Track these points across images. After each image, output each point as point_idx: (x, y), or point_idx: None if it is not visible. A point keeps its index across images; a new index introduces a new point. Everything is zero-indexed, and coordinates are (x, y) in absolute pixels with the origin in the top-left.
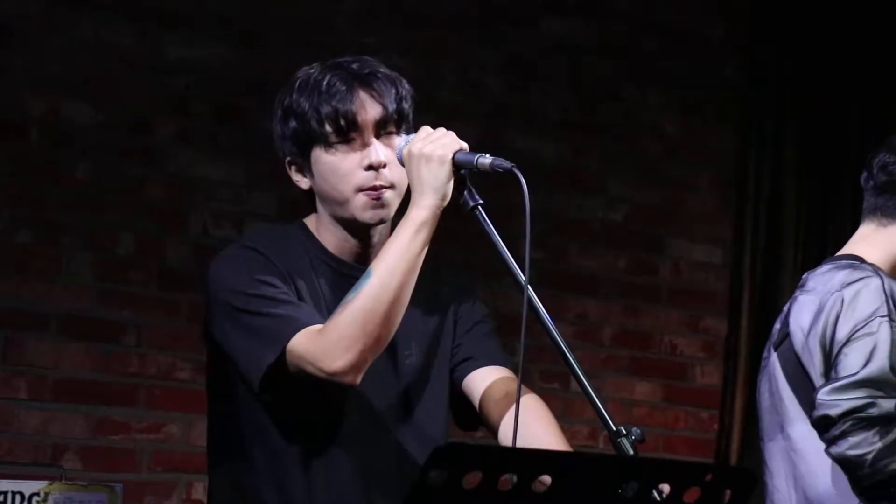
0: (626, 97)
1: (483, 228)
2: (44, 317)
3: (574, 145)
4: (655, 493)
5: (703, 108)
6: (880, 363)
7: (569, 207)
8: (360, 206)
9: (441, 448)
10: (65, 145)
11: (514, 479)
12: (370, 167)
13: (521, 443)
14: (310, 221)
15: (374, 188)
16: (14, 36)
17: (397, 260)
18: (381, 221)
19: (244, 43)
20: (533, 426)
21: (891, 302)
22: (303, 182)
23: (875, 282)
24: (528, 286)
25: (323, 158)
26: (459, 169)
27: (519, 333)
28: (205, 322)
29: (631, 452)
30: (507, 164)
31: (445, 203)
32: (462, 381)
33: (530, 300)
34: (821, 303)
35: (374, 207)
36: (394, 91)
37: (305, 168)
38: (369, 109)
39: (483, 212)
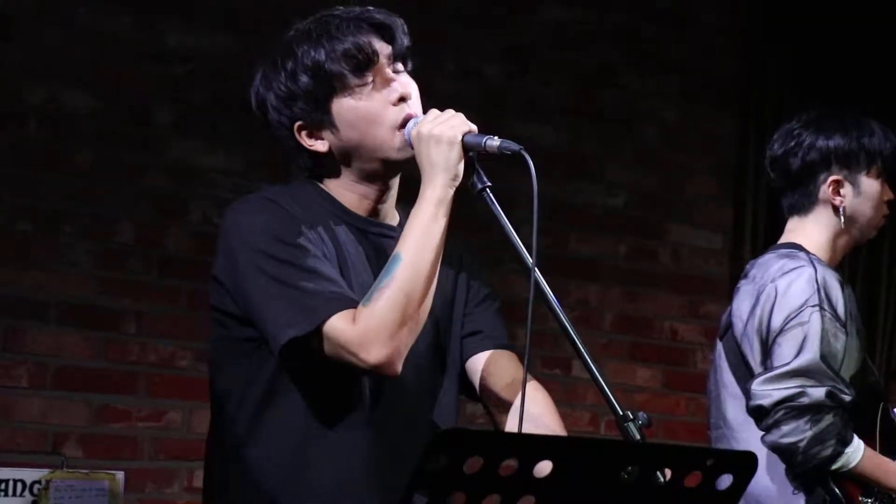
0: (625, 84)
1: (491, 211)
2: (44, 305)
3: (574, 132)
4: (660, 476)
5: (703, 95)
6: (811, 353)
7: (569, 194)
8: (396, 145)
9: (442, 433)
10: (64, 134)
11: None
12: (401, 99)
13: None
14: (317, 181)
15: (408, 119)
16: (12, 25)
17: (423, 239)
18: (413, 158)
19: (243, 31)
20: (542, 419)
21: (822, 291)
22: (319, 144)
23: (808, 271)
24: (536, 269)
25: (348, 105)
26: (468, 151)
27: (520, 318)
28: (215, 278)
29: (637, 437)
30: (515, 146)
31: (457, 183)
32: (469, 356)
33: (537, 283)
34: (758, 292)
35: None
36: (397, 25)
37: (324, 125)
38: (381, 46)
39: (491, 194)
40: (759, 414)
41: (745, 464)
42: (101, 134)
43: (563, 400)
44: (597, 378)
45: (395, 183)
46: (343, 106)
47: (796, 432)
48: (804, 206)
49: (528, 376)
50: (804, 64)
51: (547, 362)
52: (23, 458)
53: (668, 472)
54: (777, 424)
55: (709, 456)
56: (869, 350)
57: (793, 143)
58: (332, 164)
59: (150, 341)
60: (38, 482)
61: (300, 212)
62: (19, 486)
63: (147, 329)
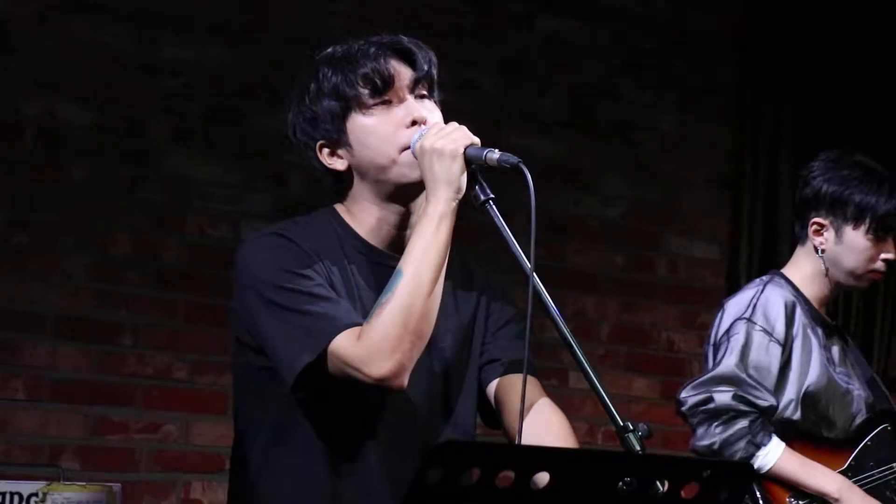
0: (622, 95)
1: (494, 223)
2: (41, 318)
3: (571, 143)
4: (659, 486)
5: (700, 106)
6: (730, 360)
7: (566, 205)
8: (406, 166)
9: (439, 446)
10: (60, 147)
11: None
12: (414, 122)
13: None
14: (339, 208)
15: None
16: (9, 38)
17: (425, 254)
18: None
19: (239, 44)
20: (551, 441)
21: (756, 308)
22: (338, 163)
23: (752, 292)
24: (537, 278)
25: (362, 122)
26: (470, 164)
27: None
28: (233, 310)
29: (638, 448)
30: (513, 159)
31: (460, 196)
32: (488, 383)
33: (539, 294)
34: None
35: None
36: (423, 53)
37: (342, 143)
38: (402, 70)
39: (494, 206)
40: (684, 418)
41: (742, 474)
42: (98, 146)
43: None
44: (597, 389)
45: (416, 210)
46: (357, 124)
47: (708, 436)
48: (801, 237)
49: (545, 397)
50: (802, 77)
51: (543, 373)
52: (20, 470)
53: (666, 483)
54: (694, 429)
55: (706, 467)
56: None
57: (805, 174)
58: (351, 184)
59: (146, 353)
60: (35, 495)
61: (311, 245)
62: (16, 498)
63: (144, 341)
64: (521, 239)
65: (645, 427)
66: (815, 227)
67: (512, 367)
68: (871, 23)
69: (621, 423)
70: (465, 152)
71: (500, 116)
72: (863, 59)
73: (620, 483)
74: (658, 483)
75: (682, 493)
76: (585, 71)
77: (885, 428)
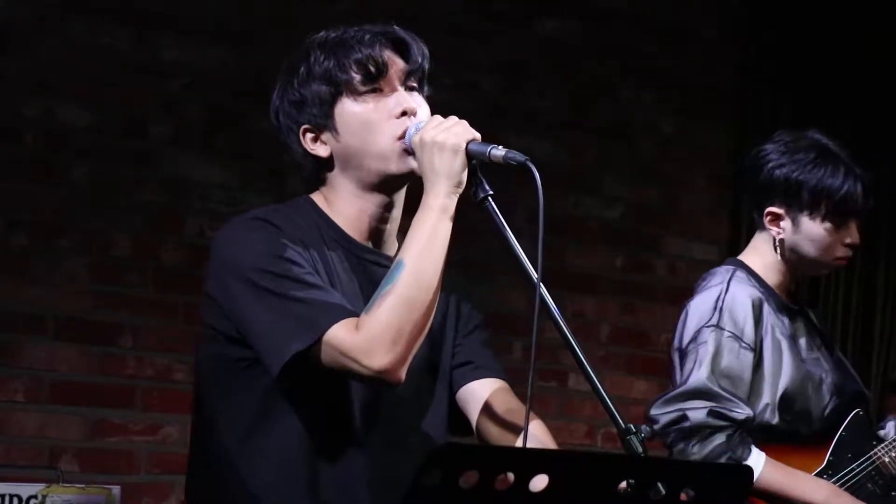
0: (622, 97)
1: (493, 219)
2: (40, 319)
3: (570, 145)
4: (661, 488)
5: (699, 107)
6: (700, 373)
7: (566, 206)
8: (395, 156)
9: (437, 448)
10: (60, 148)
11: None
12: (404, 113)
13: None
14: (317, 197)
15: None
16: (9, 39)
17: (427, 246)
18: (412, 173)
19: (239, 45)
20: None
21: (722, 311)
22: (321, 149)
23: (715, 292)
24: (540, 282)
25: (351, 108)
26: (471, 159)
27: (514, 330)
28: (207, 296)
29: (640, 450)
30: (520, 157)
31: (460, 190)
32: (459, 388)
33: (541, 296)
34: (682, 309)
35: (409, 155)
36: (417, 46)
37: (327, 129)
38: (396, 60)
39: (493, 203)
40: (657, 437)
41: (740, 477)
42: (98, 148)
43: (559, 412)
44: (599, 390)
45: (398, 203)
46: (346, 110)
47: (685, 455)
48: (759, 224)
49: (517, 400)
50: (801, 78)
51: (543, 374)
52: (19, 472)
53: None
54: (670, 448)
55: (705, 470)
56: (864, 362)
57: (758, 161)
58: (333, 171)
59: (146, 355)
60: (35, 497)
61: (292, 231)
62: (15, 500)
63: (143, 343)
64: (521, 238)
65: (647, 429)
66: (769, 216)
67: (484, 372)
68: (871, 23)
69: (623, 425)
70: (467, 147)
71: (500, 118)
72: (863, 59)
73: (620, 485)
74: (659, 485)
75: (682, 496)
76: (585, 71)
77: (857, 413)
